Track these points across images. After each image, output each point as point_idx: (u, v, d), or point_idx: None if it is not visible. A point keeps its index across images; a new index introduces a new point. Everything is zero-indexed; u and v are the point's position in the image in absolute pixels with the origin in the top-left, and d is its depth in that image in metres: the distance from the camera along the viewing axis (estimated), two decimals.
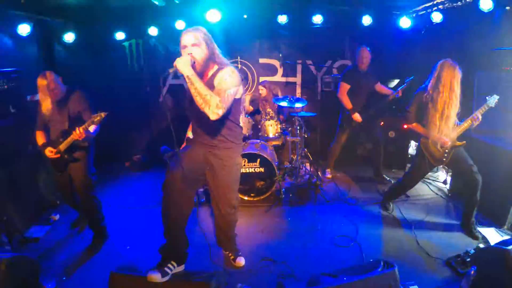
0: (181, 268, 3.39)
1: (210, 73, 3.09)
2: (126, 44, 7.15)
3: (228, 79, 2.94)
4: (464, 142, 4.07)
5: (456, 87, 3.86)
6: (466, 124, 4.03)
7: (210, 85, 2.93)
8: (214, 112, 2.81)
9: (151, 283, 3.02)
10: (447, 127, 3.97)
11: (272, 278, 3.56)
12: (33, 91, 5.10)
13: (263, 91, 6.61)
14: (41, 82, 3.74)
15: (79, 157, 3.99)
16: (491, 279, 2.90)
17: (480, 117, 3.97)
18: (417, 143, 4.53)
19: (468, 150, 4.18)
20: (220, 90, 2.89)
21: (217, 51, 3.08)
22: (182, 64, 2.77)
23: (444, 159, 4.14)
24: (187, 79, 2.78)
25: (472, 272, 3.01)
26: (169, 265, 3.21)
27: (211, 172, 3.31)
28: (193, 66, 2.84)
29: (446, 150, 4.11)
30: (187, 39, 2.93)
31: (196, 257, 3.77)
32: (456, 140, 4.06)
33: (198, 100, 2.80)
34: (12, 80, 4.74)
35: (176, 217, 3.25)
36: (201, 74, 2.97)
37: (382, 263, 2.90)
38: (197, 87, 2.77)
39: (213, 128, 3.15)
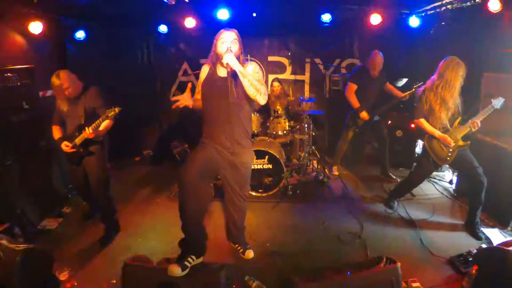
0: (200, 260, 3.43)
1: None
2: (136, 41, 7.24)
3: (260, 72, 3.34)
4: (469, 142, 4.11)
5: (455, 80, 4.00)
6: (467, 128, 4.08)
7: (239, 84, 3.18)
8: (264, 98, 3.22)
9: (162, 274, 3.08)
10: (446, 117, 4.12)
11: (279, 271, 3.65)
12: (45, 88, 5.22)
13: (278, 88, 6.66)
14: (55, 81, 3.83)
15: (94, 151, 4.09)
16: (492, 279, 2.94)
17: (479, 123, 4.01)
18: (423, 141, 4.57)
19: (473, 152, 4.21)
20: (259, 80, 3.24)
21: (243, 53, 3.36)
22: (233, 61, 3.06)
23: (448, 158, 4.19)
24: (240, 74, 3.07)
25: (473, 272, 3.05)
26: (189, 259, 3.26)
27: (229, 169, 3.39)
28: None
29: (450, 150, 4.15)
30: (228, 35, 3.23)
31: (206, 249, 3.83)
32: (460, 140, 4.11)
33: (250, 90, 3.14)
34: (25, 77, 4.84)
35: (194, 212, 3.30)
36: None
37: (384, 259, 2.97)
38: (250, 79, 3.11)
39: (236, 125, 3.27)
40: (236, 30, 3.30)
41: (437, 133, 4.15)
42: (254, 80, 3.13)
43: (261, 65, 7.14)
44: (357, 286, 2.77)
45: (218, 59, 3.25)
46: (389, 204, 5.02)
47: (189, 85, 3.36)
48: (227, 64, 3.07)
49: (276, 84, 6.70)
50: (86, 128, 3.78)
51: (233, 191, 3.50)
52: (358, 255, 3.97)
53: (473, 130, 4.05)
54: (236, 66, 3.07)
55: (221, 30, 3.27)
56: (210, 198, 3.53)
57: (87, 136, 3.83)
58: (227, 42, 3.20)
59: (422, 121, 4.25)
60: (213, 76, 3.34)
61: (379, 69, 5.68)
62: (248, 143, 3.46)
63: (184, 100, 3.34)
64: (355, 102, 5.76)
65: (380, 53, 5.63)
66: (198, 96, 3.51)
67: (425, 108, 4.19)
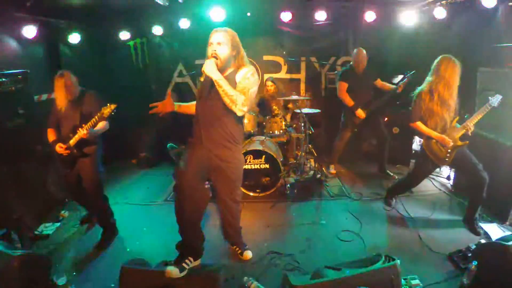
0: (198, 262, 3.42)
1: (229, 71, 3.26)
2: (130, 43, 7.23)
3: (251, 78, 3.21)
4: (467, 142, 4.06)
5: (452, 76, 3.94)
6: (463, 130, 4.05)
7: (230, 81, 3.14)
8: (240, 109, 3.12)
9: (160, 277, 3.07)
10: (448, 116, 4.06)
11: (278, 270, 3.64)
12: (40, 92, 5.20)
13: (272, 88, 6.66)
14: (58, 79, 3.86)
15: (89, 152, 4.05)
16: (492, 274, 2.94)
17: (472, 126, 4.00)
18: (421, 139, 4.54)
19: (470, 147, 4.18)
20: (244, 88, 3.14)
21: (242, 54, 3.28)
22: (210, 69, 3.02)
23: (447, 159, 4.15)
24: (215, 82, 3.03)
25: (473, 267, 3.05)
26: (187, 261, 3.25)
27: (217, 172, 3.40)
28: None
29: (449, 150, 4.11)
30: (215, 37, 3.17)
31: (204, 251, 3.82)
32: (458, 140, 4.09)
33: (226, 100, 3.07)
34: (19, 82, 4.81)
35: (191, 214, 3.29)
36: (220, 71, 3.12)
37: (383, 257, 2.96)
38: (224, 89, 3.04)
39: (221, 129, 3.25)
40: (228, 29, 3.24)
41: (434, 134, 4.10)
42: (230, 90, 3.06)
43: (257, 67, 7.15)
44: (357, 284, 2.76)
45: None
46: (387, 201, 5.02)
47: (169, 91, 3.33)
48: (202, 70, 3.07)
49: (269, 83, 6.70)
50: (80, 129, 3.76)
51: (224, 193, 3.55)
52: (357, 253, 3.95)
53: (469, 133, 4.04)
54: (212, 74, 3.03)
55: (212, 31, 3.22)
56: (207, 200, 3.52)
57: (82, 136, 3.79)
58: (214, 45, 3.15)
59: (419, 124, 4.19)
60: (204, 79, 3.31)
61: (363, 65, 5.74)
62: (235, 147, 3.40)
63: (163, 106, 3.34)
64: (349, 101, 5.76)
65: (364, 50, 5.69)
66: None
67: (422, 111, 4.13)
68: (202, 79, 3.29)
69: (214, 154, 3.28)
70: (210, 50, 3.15)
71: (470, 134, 4.03)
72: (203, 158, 3.29)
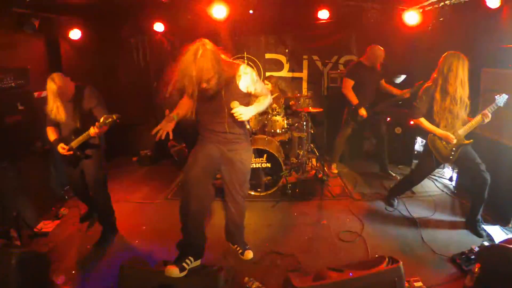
0: (198, 263, 3.39)
1: (225, 83, 3.01)
2: (132, 40, 7.17)
3: (255, 77, 3.20)
4: (472, 140, 4.04)
5: (465, 73, 3.91)
6: (475, 121, 3.98)
7: (233, 93, 3.09)
8: (269, 101, 3.41)
9: (160, 277, 3.04)
10: (461, 111, 4.01)
11: (279, 271, 3.61)
12: (40, 88, 5.16)
13: (268, 86, 6.62)
14: (50, 85, 3.69)
15: (91, 154, 4.04)
16: (495, 277, 2.91)
17: (490, 114, 3.91)
18: (424, 140, 4.50)
19: (474, 148, 4.16)
20: (261, 92, 3.31)
21: (224, 61, 3.00)
22: (248, 114, 3.12)
23: (451, 157, 4.13)
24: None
25: (476, 269, 3.02)
26: (187, 260, 3.22)
27: (228, 166, 3.39)
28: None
29: (453, 148, 4.09)
30: (193, 65, 2.76)
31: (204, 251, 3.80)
32: (464, 139, 4.05)
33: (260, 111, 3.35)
34: (19, 78, 4.78)
35: (196, 212, 3.26)
36: (218, 89, 2.99)
37: (387, 259, 2.93)
38: (260, 109, 3.29)
39: (228, 123, 3.21)
40: (202, 42, 2.85)
41: (438, 131, 4.08)
42: (263, 106, 3.29)
43: (259, 65, 7.11)
44: (360, 286, 2.74)
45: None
46: (389, 202, 4.99)
47: (167, 111, 3.26)
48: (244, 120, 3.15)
49: (267, 82, 6.66)
50: (92, 127, 3.73)
51: (233, 188, 3.49)
52: (359, 253, 3.94)
53: (485, 121, 3.92)
54: (253, 113, 3.19)
55: (185, 53, 2.82)
56: (212, 198, 3.49)
57: (93, 135, 3.76)
58: (196, 78, 2.78)
59: (422, 120, 4.18)
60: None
61: (381, 61, 5.64)
62: (244, 138, 3.43)
63: (166, 127, 3.18)
64: (353, 98, 5.70)
65: (379, 46, 5.58)
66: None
67: (435, 109, 4.05)
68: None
69: (227, 149, 3.31)
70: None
71: (484, 122, 3.95)
72: (213, 153, 3.29)
